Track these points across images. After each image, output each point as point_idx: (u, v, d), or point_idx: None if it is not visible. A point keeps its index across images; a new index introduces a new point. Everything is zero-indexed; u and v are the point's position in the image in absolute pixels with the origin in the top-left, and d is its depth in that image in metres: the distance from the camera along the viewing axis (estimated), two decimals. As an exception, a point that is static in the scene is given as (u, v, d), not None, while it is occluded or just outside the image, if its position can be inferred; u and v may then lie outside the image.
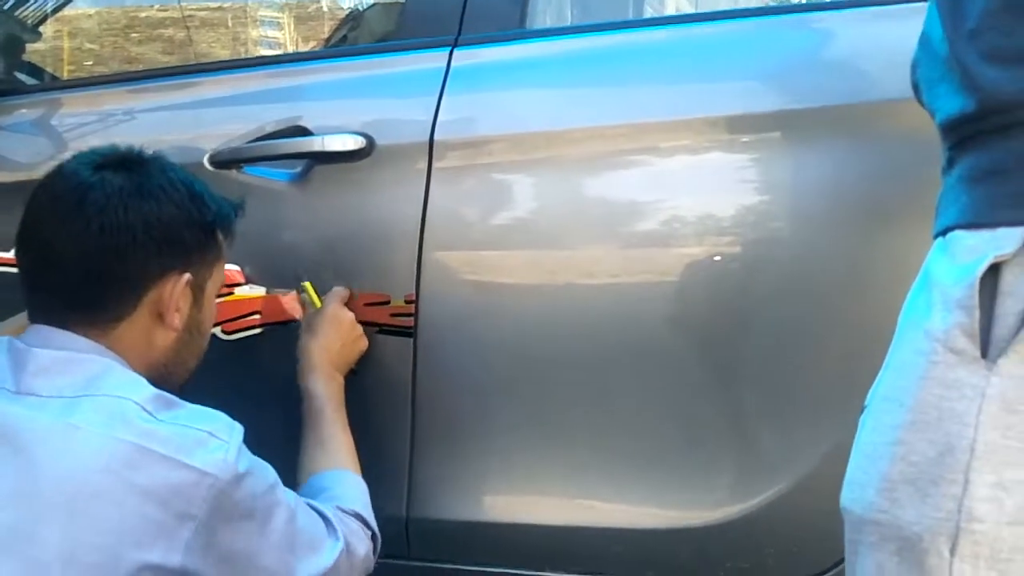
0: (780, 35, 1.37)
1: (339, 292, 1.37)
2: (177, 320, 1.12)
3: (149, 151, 1.17)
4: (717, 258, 1.28)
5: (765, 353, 1.30)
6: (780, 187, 1.29)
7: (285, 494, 1.08)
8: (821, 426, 1.24)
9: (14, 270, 1.14)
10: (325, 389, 1.30)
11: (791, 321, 1.28)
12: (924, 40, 0.84)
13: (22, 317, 1.16)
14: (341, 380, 1.33)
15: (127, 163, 1.12)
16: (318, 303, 1.36)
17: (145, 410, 0.99)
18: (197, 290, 1.15)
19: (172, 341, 1.13)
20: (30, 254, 1.10)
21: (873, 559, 0.76)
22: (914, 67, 0.87)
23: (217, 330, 1.41)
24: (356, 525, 1.17)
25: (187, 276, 1.12)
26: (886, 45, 1.20)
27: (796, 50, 1.34)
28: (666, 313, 1.32)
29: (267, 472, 1.06)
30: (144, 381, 1.05)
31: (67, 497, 0.94)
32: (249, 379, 1.41)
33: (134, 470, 0.96)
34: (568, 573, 1.40)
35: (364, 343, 1.37)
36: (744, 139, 1.30)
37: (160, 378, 1.11)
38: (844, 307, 1.25)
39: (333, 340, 1.33)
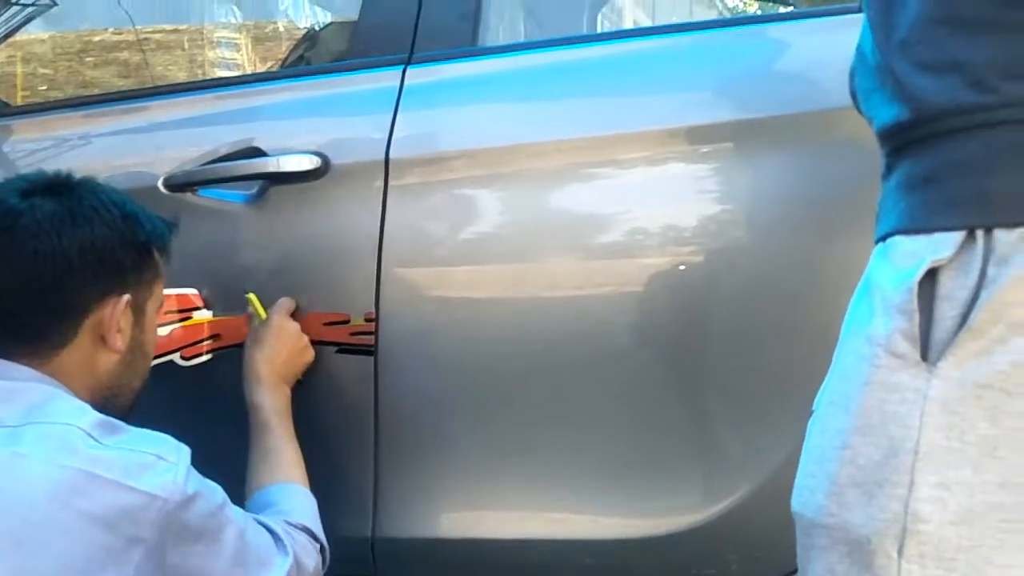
0: (734, 46, 1.39)
1: (285, 303, 1.36)
2: (120, 342, 1.11)
3: (77, 174, 1.16)
4: (681, 267, 1.29)
5: (727, 361, 1.31)
6: (740, 196, 1.30)
7: (234, 512, 1.07)
8: (782, 431, 1.25)
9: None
10: (271, 401, 1.29)
11: (752, 328, 1.29)
12: (859, 50, 0.86)
13: None
14: (288, 392, 1.33)
15: (55, 188, 1.11)
16: (263, 315, 1.36)
17: (90, 436, 0.99)
18: (137, 311, 1.14)
19: (116, 364, 1.12)
20: None
21: (824, 562, 0.77)
22: (852, 76, 0.89)
23: (176, 356, 1.41)
24: (304, 539, 1.16)
25: (126, 297, 1.11)
26: (840, 54, 1.22)
27: (751, 60, 1.36)
28: (628, 323, 1.33)
29: (215, 492, 1.05)
30: (88, 407, 1.04)
31: (14, 527, 0.93)
32: (209, 403, 1.40)
33: (81, 496, 0.95)
34: (536, 587, 1.40)
35: (310, 354, 1.36)
36: (702, 150, 1.32)
37: (105, 402, 1.10)
38: (804, 313, 1.27)
39: (279, 351, 1.32)
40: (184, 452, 1.02)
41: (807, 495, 0.80)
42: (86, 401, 1.07)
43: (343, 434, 1.39)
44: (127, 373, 1.14)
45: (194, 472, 1.02)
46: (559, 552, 1.38)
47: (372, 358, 1.36)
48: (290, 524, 1.16)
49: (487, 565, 1.41)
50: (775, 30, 1.43)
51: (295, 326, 1.35)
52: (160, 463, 0.99)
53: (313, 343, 1.37)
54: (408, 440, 1.39)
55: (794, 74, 1.33)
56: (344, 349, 1.37)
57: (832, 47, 1.28)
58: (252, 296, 1.37)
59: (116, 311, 1.10)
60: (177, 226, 1.21)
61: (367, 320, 1.35)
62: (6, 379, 1.04)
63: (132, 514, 0.96)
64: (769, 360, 1.29)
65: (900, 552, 0.72)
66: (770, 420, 1.28)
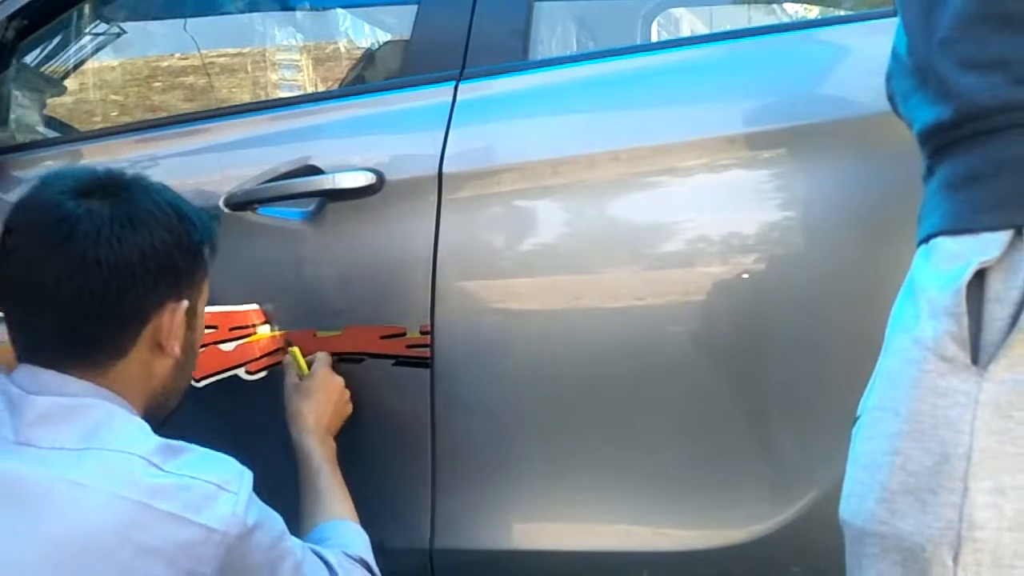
0: (789, 51, 1.38)
1: (325, 358, 1.39)
2: (177, 348, 1.08)
3: (128, 172, 1.11)
4: (744, 276, 1.29)
5: (789, 369, 1.30)
6: (799, 203, 1.29)
7: (293, 543, 1.05)
8: (844, 440, 1.23)
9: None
10: (322, 450, 1.31)
11: (814, 334, 1.28)
12: (895, 53, 0.85)
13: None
14: (333, 443, 1.34)
15: (109, 188, 1.06)
16: (305, 369, 1.38)
17: (151, 463, 0.96)
18: (191, 313, 1.10)
19: (170, 369, 1.09)
20: (17, 294, 1.04)
21: (875, 570, 0.76)
22: (888, 79, 0.88)
23: (241, 371, 1.43)
24: (361, 571, 1.15)
25: (185, 304, 1.08)
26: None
27: (807, 65, 1.35)
28: (688, 333, 1.33)
29: (275, 522, 1.03)
30: (147, 428, 1.02)
31: (72, 558, 0.92)
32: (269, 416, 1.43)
33: (140, 530, 0.93)
34: (594, 598, 1.40)
35: (350, 408, 1.39)
36: (762, 156, 1.31)
37: (157, 407, 1.09)
38: (866, 318, 1.23)
39: (326, 405, 1.35)
40: (246, 478, 1.00)
41: (856, 503, 0.79)
42: (139, 409, 1.05)
43: (401, 446, 1.41)
44: (180, 376, 1.12)
45: (255, 501, 1.00)
46: (617, 564, 1.37)
47: (428, 371, 1.37)
48: (348, 556, 1.15)
49: (545, 576, 1.41)
50: (831, 34, 1.42)
51: (340, 380, 1.38)
52: (221, 494, 0.97)
53: (370, 355, 1.39)
54: (465, 452, 1.40)
55: (852, 78, 1.31)
56: (401, 362, 1.38)
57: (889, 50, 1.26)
58: (295, 350, 1.40)
59: (176, 318, 1.07)
60: (220, 218, 1.18)
61: (423, 333, 1.37)
62: (63, 395, 1.00)
63: (191, 548, 0.94)
64: (831, 367, 1.28)
65: (956, 560, 0.71)
66: (832, 429, 1.25)
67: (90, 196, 1.04)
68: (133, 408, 1.05)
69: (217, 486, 0.97)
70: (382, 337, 1.39)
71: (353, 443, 1.39)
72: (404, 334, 1.38)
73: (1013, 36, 0.73)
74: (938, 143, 0.78)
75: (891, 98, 0.88)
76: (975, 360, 0.72)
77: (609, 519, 1.37)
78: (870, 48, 1.28)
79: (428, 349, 1.37)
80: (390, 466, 1.37)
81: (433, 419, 1.39)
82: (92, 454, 0.96)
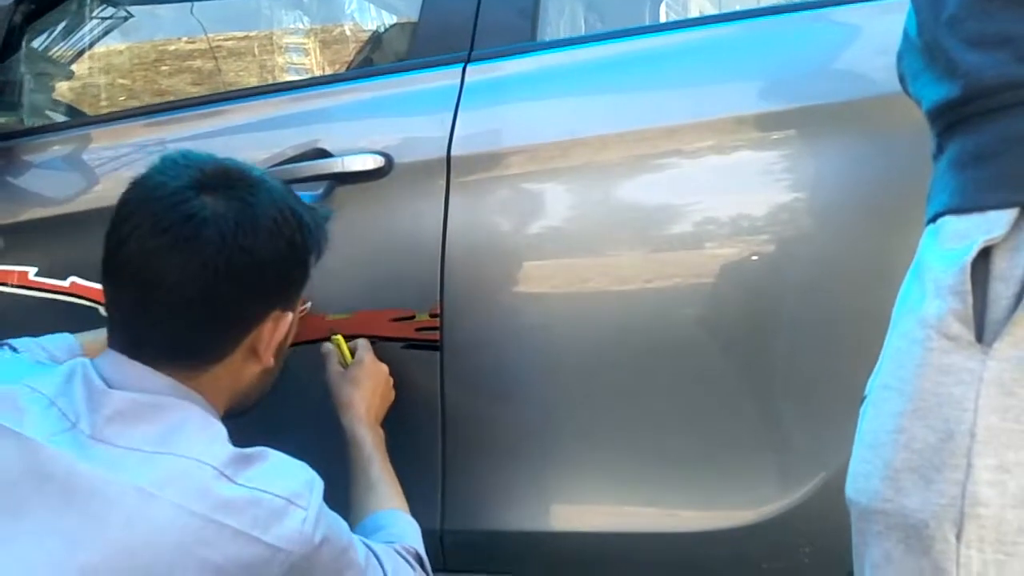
0: (799, 31, 1.37)
1: (367, 344, 1.38)
2: (271, 356, 1.07)
3: (253, 171, 1.07)
4: (753, 257, 1.28)
5: (798, 350, 1.30)
6: (809, 184, 1.29)
7: (357, 553, 1.03)
8: (851, 422, 1.23)
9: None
10: (372, 438, 1.30)
11: (823, 316, 1.28)
12: (905, 32, 0.85)
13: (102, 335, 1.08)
14: (382, 432, 1.34)
15: (234, 187, 1.02)
16: (349, 358, 1.37)
17: (223, 475, 0.94)
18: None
19: (259, 372, 1.08)
20: (129, 288, 1.01)
21: (881, 548, 0.77)
22: (899, 59, 0.88)
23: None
24: (414, 565, 1.14)
25: (290, 315, 1.07)
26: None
27: (818, 45, 1.34)
28: (697, 315, 1.32)
29: (341, 534, 1.01)
30: (223, 435, 1.00)
31: (135, 568, 0.90)
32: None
33: (206, 547, 0.91)
34: (605, 579, 1.41)
35: (394, 394, 1.38)
36: (771, 136, 1.30)
37: (239, 405, 1.09)
38: (874, 300, 1.23)
39: (374, 391, 1.34)
40: (317, 490, 0.98)
41: (862, 481, 0.79)
42: (220, 409, 1.04)
43: (410, 428, 1.41)
44: (266, 380, 1.11)
45: (324, 514, 0.98)
46: (628, 545, 1.38)
47: (438, 353, 1.38)
48: (401, 549, 1.14)
49: (555, 558, 1.42)
50: (842, 13, 1.41)
51: (385, 367, 1.37)
52: (291, 509, 0.95)
53: (380, 339, 1.40)
54: (475, 434, 1.41)
55: (863, 57, 1.30)
56: (410, 344, 1.39)
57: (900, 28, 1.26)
58: (339, 338, 1.38)
59: (279, 328, 1.06)
60: (331, 218, 1.16)
61: (432, 316, 1.37)
62: (144, 391, 0.98)
63: (255, 566, 0.92)
64: (840, 349, 1.27)
65: (959, 537, 0.72)
66: (840, 410, 1.25)
67: (215, 191, 1.01)
68: (215, 408, 1.04)
69: (287, 500, 0.95)
70: (392, 320, 1.39)
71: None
72: (413, 317, 1.38)
73: (1018, 13, 0.73)
74: (947, 121, 0.78)
75: (902, 78, 0.88)
76: (979, 338, 0.72)
77: (618, 500, 1.38)
78: (881, 27, 1.29)
79: (438, 332, 1.38)
80: (400, 448, 1.38)
81: (443, 401, 1.40)
82: (165, 460, 0.94)
